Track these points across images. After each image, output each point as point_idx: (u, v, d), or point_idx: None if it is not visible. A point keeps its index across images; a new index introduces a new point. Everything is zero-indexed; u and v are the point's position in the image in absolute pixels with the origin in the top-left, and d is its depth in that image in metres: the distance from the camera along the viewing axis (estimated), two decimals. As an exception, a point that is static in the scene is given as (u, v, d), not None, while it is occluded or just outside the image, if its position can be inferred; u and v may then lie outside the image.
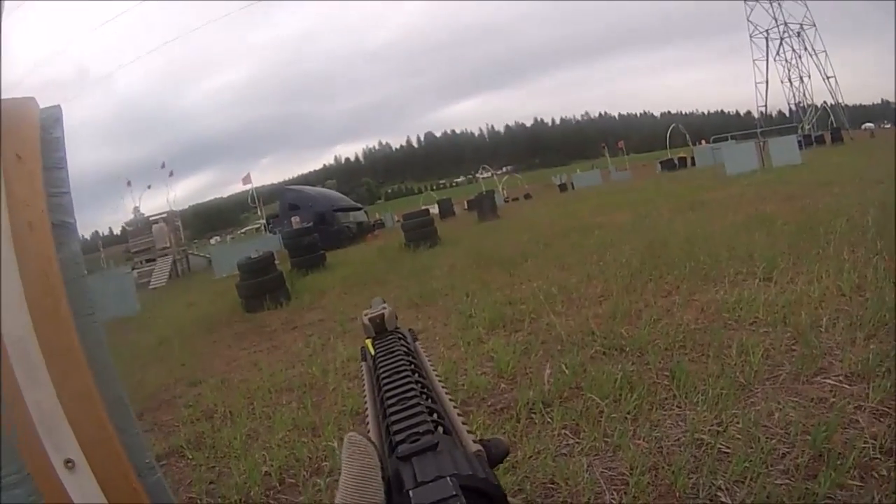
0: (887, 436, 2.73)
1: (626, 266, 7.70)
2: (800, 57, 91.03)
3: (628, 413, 3.43)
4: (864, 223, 7.45)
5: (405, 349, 0.69)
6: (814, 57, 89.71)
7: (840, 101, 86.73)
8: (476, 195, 34.26)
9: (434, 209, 34.73)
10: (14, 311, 0.98)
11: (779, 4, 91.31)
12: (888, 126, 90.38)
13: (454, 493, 0.38)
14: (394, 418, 0.53)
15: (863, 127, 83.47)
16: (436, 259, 13.33)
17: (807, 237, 7.48)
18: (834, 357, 3.76)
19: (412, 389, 0.59)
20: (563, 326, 5.41)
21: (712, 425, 3.11)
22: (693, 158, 52.62)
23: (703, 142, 68.13)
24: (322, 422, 4.31)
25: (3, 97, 1.07)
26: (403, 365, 0.63)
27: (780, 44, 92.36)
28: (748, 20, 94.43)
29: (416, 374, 0.61)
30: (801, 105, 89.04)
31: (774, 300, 5.09)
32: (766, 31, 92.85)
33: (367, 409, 0.61)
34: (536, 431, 3.45)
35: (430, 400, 0.57)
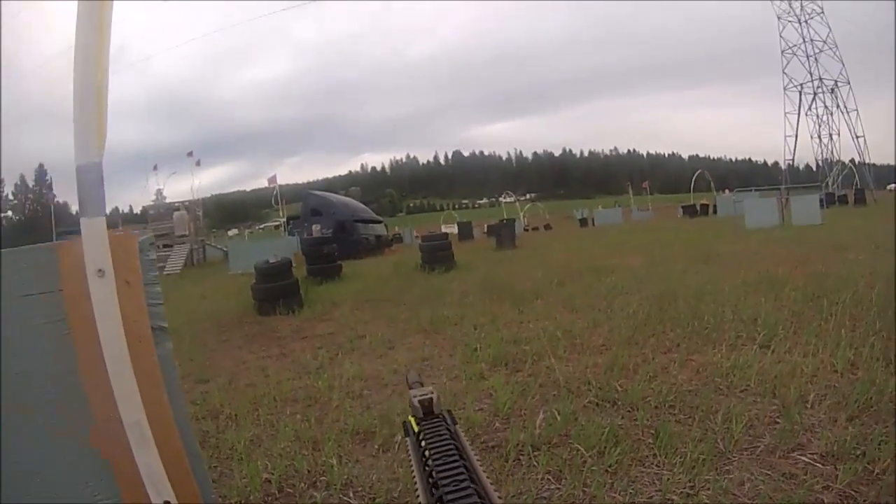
0: None
1: (633, 317, 7.87)
2: (831, 114, 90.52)
3: (609, 466, 3.63)
4: (869, 298, 7.59)
5: (449, 432, 0.90)
6: (845, 115, 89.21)
7: (867, 160, 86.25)
8: (497, 222, 34.40)
9: (453, 229, 34.91)
10: (129, 399, 1.31)
11: (815, 59, 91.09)
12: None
13: None
14: (445, 490, 0.69)
15: (888, 188, 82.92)
16: (449, 284, 13.53)
17: (811, 307, 7.63)
18: (813, 434, 3.94)
19: (461, 473, 0.74)
20: (562, 372, 5.60)
21: (685, 488, 3.30)
22: (715, 206, 52.61)
23: (727, 190, 68.02)
24: (323, 437, 4.53)
25: (110, 233, 1.45)
26: (451, 449, 0.84)
27: (814, 99, 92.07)
28: (783, 72, 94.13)
29: (462, 459, 0.82)
30: (828, 161, 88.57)
31: (768, 370, 5.25)
32: (801, 84, 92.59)
33: (415, 480, 0.81)
34: (521, 473, 3.64)
35: (474, 483, 0.72)
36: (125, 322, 1.41)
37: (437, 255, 17.52)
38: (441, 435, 0.85)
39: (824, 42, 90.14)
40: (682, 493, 3.26)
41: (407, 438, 0.92)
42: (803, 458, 3.63)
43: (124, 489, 1.45)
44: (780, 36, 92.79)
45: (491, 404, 4.94)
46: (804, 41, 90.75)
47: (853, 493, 3.18)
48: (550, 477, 3.60)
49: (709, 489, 3.27)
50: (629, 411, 4.57)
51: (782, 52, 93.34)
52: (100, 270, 1.38)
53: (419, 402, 0.97)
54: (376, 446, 4.28)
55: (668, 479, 3.42)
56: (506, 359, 6.32)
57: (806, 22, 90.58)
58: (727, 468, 3.56)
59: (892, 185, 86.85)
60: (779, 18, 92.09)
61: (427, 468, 0.78)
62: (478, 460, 0.79)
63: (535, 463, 3.76)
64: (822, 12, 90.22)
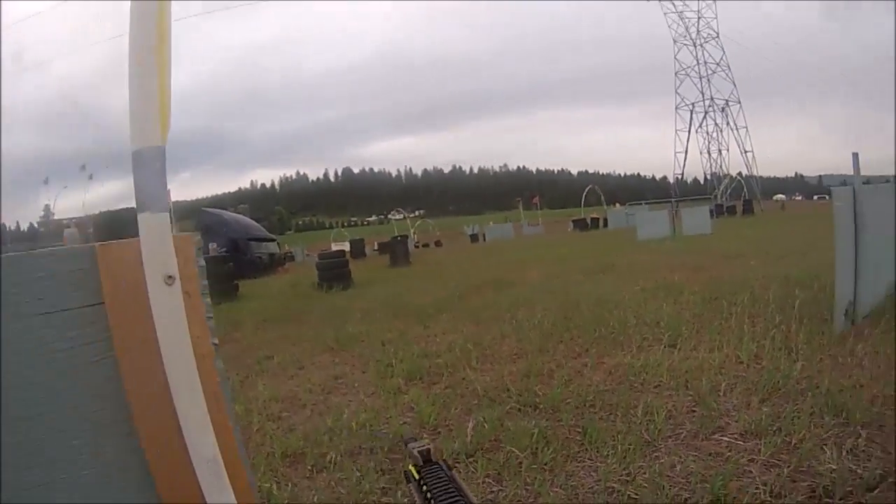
0: (776, 482, 3.30)
1: (539, 326, 8.19)
2: (721, 130, 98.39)
3: (545, 464, 3.84)
4: (765, 297, 8.33)
5: (447, 476, 1.02)
6: (735, 132, 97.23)
7: (755, 173, 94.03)
8: (390, 239, 34.65)
9: (343, 247, 34.78)
10: (201, 432, 1.24)
11: (708, 80, 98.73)
12: (798, 198, 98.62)
13: None
14: None
15: (774, 198, 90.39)
16: (350, 302, 13.60)
17: (711, 308, 8.30)
18: (730, 418, 4.34)
19: None
20: (480, 382, 5.79)
21: (622, 475, 3.57)
22: (606, 220, 55.14)
23: (617, 204, 71.56)
24: (254, 462, 4.45)
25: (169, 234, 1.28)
26: (452, 489, 0.95)
27: (705, 117, 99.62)
28: (676, 92, 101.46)
29: (462, 496, 0.93)
30: (717, 175, 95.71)
31: (678, 366, 5.69)
32: (693, 103, 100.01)
33: None
34: (462, 479, 3.76)
35: None
36: (193, 345, 1.26)
37: (335, 273, 17.84)
38: (441, 478, 0.98)
39: (717, 64, 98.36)
40: (619, 480, 3.52)
41: (409, 485, 1.05)
42: (725, 438, 4.01)
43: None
44: (675, 58, 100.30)
45: (415, 417, 5.03)
46: (698, 63, 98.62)
47: (777, 462, 3.58)
48: (490, 480, 3.75)
49: (644, 474, 3.55)
50: (552, 413, 4.80)
51: (676, 73, 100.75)
52: (169, 277, 1.23)
53: (418, 452, 1.11)
54: (309, 467, 4.26)
55: (604, 469, 3.67)
56: (421, 372, 6.43)
57: (701, 45, 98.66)
58: (656, 454, 3.86)
59: (780, 196, 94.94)
60: (675, 42, 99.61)
61: None
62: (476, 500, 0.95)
63: (473, 469, 3.89)
64: (717, 36, 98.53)
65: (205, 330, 1.34)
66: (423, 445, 1.10)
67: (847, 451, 3.61)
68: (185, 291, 1.26)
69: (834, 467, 3.39)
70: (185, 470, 1.23)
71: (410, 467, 1.05)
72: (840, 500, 3.14)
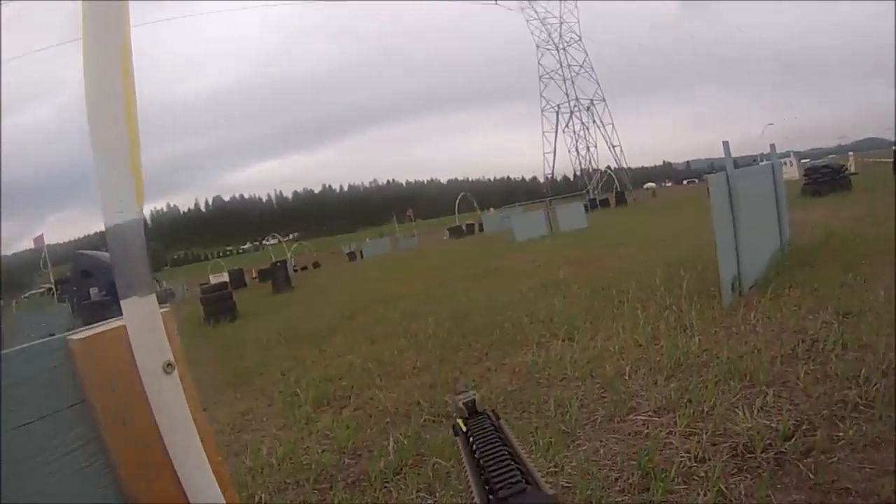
0: (698, 449, 3.59)
1: (434, 337, 8.37)
2: (587, 128, 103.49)
3: None
4: (652, 282, 8.87)
5: (493, 426, 1.05)
6: (601, 128, 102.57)
7: (624, 165, 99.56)
8: (270, 265, 34.05)
9: (222, 278, 33.74)
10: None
11: (572, 82, 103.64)
12: (668, 184, 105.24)
13: None
14: (493, 473, 0.82)
15: (645, 187, 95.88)
16: (240, 334, 13.46)
17: (601, 298, 8.78)
18: (641, 398, 4.65)
19: (504, 453, 0.88)
20: (389, 399, 5.88)
21: (549, 468, 3.74)
22: (481, 224, 56.36)
23: (491, 209, 73.32)
24: None
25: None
26: (494, 437, 0.99)
27: (570, 117, 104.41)
28: (542, 95, 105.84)
29: (505, 445, 0.97)
30: (587, 171, 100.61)
31: (579, 357, 6.01)
32: (558, 105, 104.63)
33: (467, 476, 0.92)
34: (395, 497, 3.85)
35: (516, 462, 0.86)
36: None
37: (220, 306, 17.81)
38: (486, 429, 1.02)
39: (581, 66, 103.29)
40: (548, 472, 3.68)
41: (457, 438, 1.08)
42: (640, 417, 4.30)
43: None
44: (539, 63, 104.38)
45: (333, 443, 5.04)
46: (562, 66, 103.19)
47: (694, 430, 3.89)
48: (423, 493, 3.83)
49: (571, 462, 3.74)
50: (466, 420, 4.91)
51: (540, 77, 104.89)
52: (168, 365, 1.14)
53: (463, 404, 1.14)
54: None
55: (531, 464, 3.79)
56: (328, 397, 6.45)
57: (564, 49, 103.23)
58: (578, 443, 4.08)
59: (650, 184, 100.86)
60: (538, 47, 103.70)
61: (476, 460, 0.92)
62: (519, 443, 0.96)
63: (404, 485, 3.96)
64: (580, 39, 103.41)
65: (200, 409, 1.27)
66: (469, 396, 1.13)
67: (758, 410, 3.98)
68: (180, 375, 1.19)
69: (749, 426, 3.72)
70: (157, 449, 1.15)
71: (458, 420, 1.08)
72: (762, 453, 3.46)
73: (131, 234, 1.12)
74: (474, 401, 1.16)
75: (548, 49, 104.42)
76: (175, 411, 1.14)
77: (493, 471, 0.83)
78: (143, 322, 1.12)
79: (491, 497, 0.77)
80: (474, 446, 0.96)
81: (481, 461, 0.88)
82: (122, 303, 1.11)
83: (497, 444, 0.92)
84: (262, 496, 4.21)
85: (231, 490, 1.25)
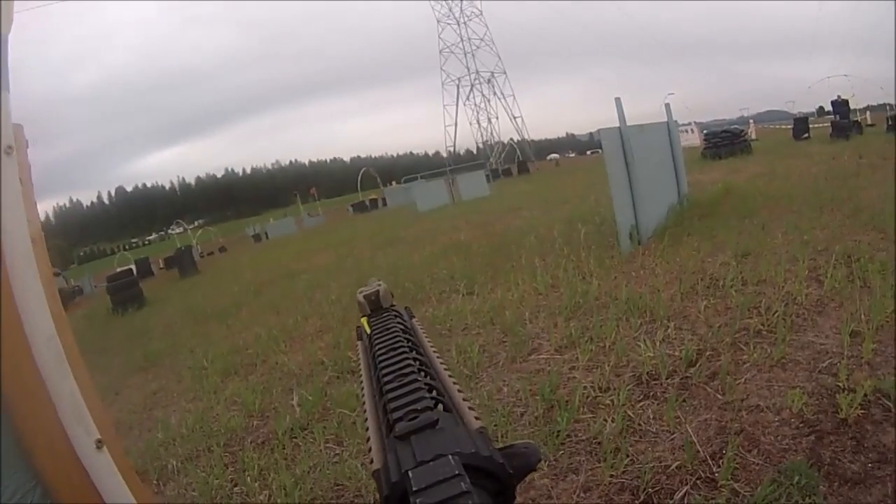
0: (601, 379, 3.57)
1: (338, 302, 8.19)
2: (489, 101, 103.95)
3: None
4: (551, 237, 8.86)
5: (402, 326, 0.76)
6: (502, 100, 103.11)
7: (526, 136, 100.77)
8: (174, 252, 32.88)
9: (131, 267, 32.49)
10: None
11: (473, 55, 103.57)
12: (572, 155, 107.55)
13: (457, 472, 0.39)
14: (390, 395, 0.54)
15: (548, 158, 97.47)
16: (148, 320, 12.83)
17: (500, 255, 8.74)
18: (542, 339, 4.62)
19: (409, 366, 0.60)
20: (293, 362, 5.73)
21: None
22: (384, 199, 56.04)
23: (394, 183, 72.98)
24: None
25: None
26: (400, 342, 0.69)
27: (471, 90, 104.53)
28: (442, 69, 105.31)
29: (414, 351, 0.68)
30: (489, 143, 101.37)
31: (479, 308, 5.97)
32: (459, 79, 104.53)
33: (363, 391, 0.62)
34: (305, 451, 3.70)
35: (428, 377, 0.59)
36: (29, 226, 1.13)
37: (126, 294, 17.04)
38: (390, 329, 0.73)
39: (481, 40, 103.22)
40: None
41: (358, 344, 0.78)
42: (542, 356, 4.26)
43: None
44: (440, 37, 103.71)
45: (241, 408, 4.87)
46: (462, 40, 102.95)
47: (597, 363, 3.87)
48: (331, 444, 3.71)
49: (475, 401, 3.57)
50: (370, 372, 4.74)
51: (440, 51, 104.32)
52: (9, 147, 1.05)
53: (364, 297, 0.83)
54: (155, 482, 3.97)
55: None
56: (235, 367, 6.25)
57: (465, 23, 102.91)
58: (480, 384, 4.01)
59: (554, 155, 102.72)
60: (438, 21, 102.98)
61: (375, 367, 0.64)
62: (438, 356, 0.66)
63: (312, 439, 3.83)
64: (481, 14, 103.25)
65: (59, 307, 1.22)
66: (373, 288, 0.79)
67: (660, 342, 4.00)
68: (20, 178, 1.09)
69: (652, 355, 3.73)
70: (69, 455, 1.10)
71: (362, 320, 0.75)
72: (667, 379, 3.44)
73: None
74: (378, 292, 0.84)
75: (448, 24, 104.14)
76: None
77: (394, 392, 0.55)
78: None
79: (391, 430, 0.49)
80: (377, 352, 0.66)
81: (381, 376, 0.60)
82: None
83: (402, 352, 0.64)
84: (174, 464, 4.01)
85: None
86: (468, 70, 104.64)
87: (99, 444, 1.12)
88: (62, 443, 1.08)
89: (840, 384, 3.05)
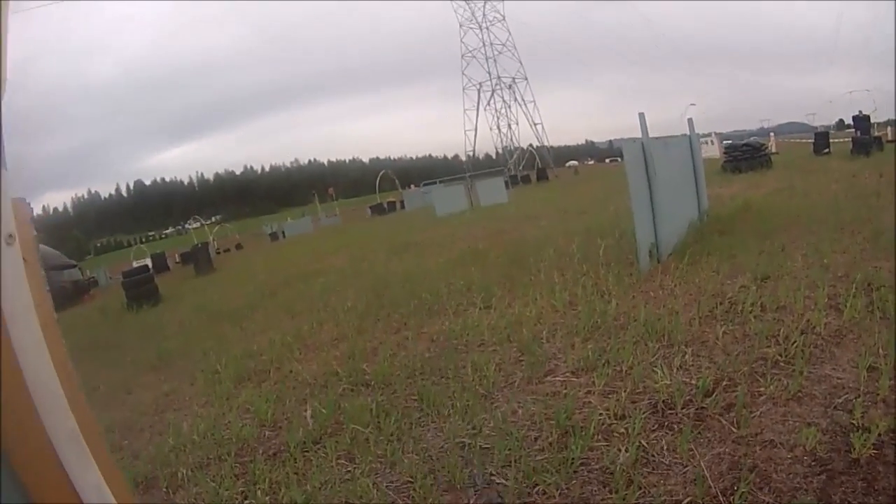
0: (617, 406, 3.55)
1: (353, 309, 8.18)
2: (509, 106, 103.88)
3: (392, 435, 3.85)
4: (570, 250, 8.82)
5: None
6: (523, 106, 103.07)
7: (546, 143, 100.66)
8: (191, 248, 33.09)
9: (147, 263, 32.70)
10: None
11: (494, 60, 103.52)
12: (591, 162, 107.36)
13: None
14: None
15: (567, 165, 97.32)
16: (163, 318, 12.89)
17: (518, 266, 8.71)
18: (558, 360, 4.60)
19: None
20: (307, 371, 5.71)
21: (468, 430, 3.66)
22: (402, 202, 56.10)
23: (413, 186, 73.05)
24: None
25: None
26: None
27: (492, 95, 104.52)
28: (463, 73, 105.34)
29: None
30: (508, 148, 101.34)
31: (496, 323, 5.94)
32: (480, 83, 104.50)
33: None
34: (317, 466, 3.70)
35: None
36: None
37: (142, 290, 17.06)
38: None
39: (503, 45, 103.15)
40: (467, 434, 3.61)
41: None
42: (558, 378, 4.25)
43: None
44: (462, 41, 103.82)
45: (253, 417, 4.86)
46: (484, 45, 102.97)
47: (613, 389, 3.86)
48: (343, 460, 3.70)
49: (489, 424, 3.63)
50: (385, 387, 4.80)
51: (462, 55, 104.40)
52: (10, 236, 1.04)
53: None
54: (164, 489, 3.98)
55: (449, 428, 3.75)
56: (248, 373, 6.24)
57: (487, 28, 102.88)
58: (496, 405, 3.99)
59: (572, 162, 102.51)
60: (461, 26, 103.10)
61: None
62: None
63: (324, 454, 3.82)
64: (504, 18, 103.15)
65: (47, 298, 1.17)
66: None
67: (677, 368, 3.98)
68: (24, 258, 1.05)
69: (668, 382, 3.71)
70: (45, 448, 1.05)
71: None
72: (682, 409, 3.43)
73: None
74: None
75: (471, 28, 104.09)
76: (14, 284, 1.02)
77: None
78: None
79: None
80: None
81: None
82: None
83: None
84: (185, 472, 3.99)
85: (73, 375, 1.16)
86: (489, 75, 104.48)
87: (75, 436, 1.09)
88: (38, 436, 1.06)
89: (854, 422, 3.01)
